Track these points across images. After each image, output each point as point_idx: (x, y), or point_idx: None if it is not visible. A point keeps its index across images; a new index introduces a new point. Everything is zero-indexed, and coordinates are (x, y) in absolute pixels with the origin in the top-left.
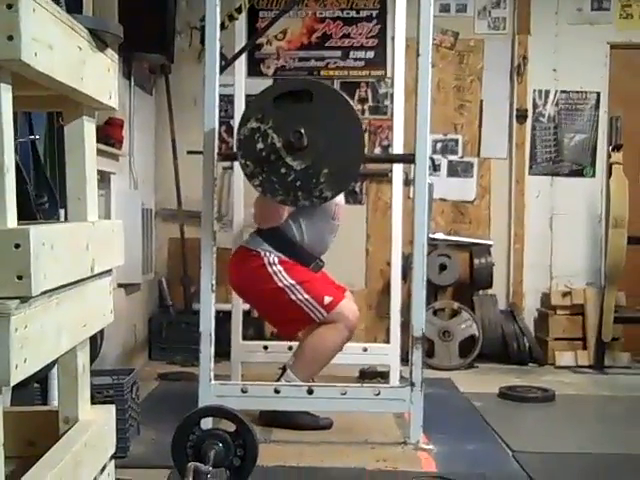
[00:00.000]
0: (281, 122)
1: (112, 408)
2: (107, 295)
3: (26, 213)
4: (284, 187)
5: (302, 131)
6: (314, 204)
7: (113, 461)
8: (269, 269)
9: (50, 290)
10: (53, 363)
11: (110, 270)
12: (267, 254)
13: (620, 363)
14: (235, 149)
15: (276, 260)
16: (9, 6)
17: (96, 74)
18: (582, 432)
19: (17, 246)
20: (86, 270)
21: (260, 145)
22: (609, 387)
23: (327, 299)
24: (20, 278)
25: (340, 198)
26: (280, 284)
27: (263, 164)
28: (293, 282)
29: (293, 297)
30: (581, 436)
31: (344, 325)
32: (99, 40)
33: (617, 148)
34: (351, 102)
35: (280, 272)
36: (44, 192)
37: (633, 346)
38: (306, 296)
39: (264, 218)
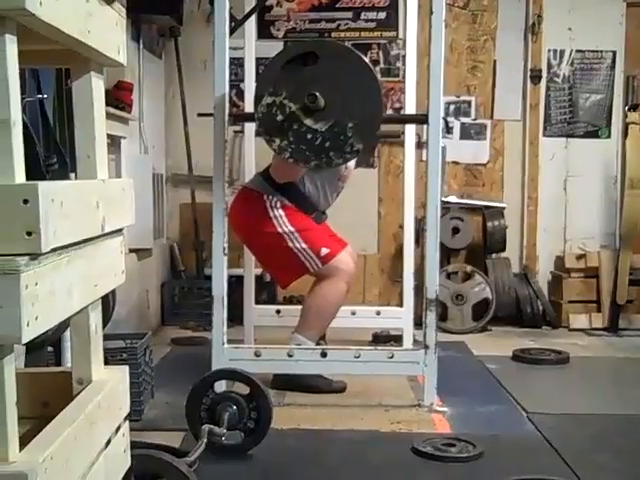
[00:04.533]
0: (294, 89)
1: (126, 369)
2: (118, 255)
3: (35, 174)
4: (314, 152)
5: (316, 93)
6: (348, 160)
7: (127, 422)
8: (270, 213)
9: (60, 248)
10: (65, 325)
11: (121, 230)
12: (269, 197)
13: (634, 325)
14: (256, 128)
15: (278, 204)
16: None
17: (103, 28)
18: (596, 394)
19: (25, 202)
20: (97, 228)
21: (280, 117)
22: (623, 349)
23: (324, 250)
24: (29, 234)
25: (351, 162)
26: (279, 229)
27: (288, 135)
28: (292, 229)
29: (290, 244)
30: (595, 397)
31: (340, 278)
32: None
33: (634, 108)
34: (356, 51)
35: (281, 217)
36: (53, 153)
37: None
38: (304, 245)
39: (283, 174)
